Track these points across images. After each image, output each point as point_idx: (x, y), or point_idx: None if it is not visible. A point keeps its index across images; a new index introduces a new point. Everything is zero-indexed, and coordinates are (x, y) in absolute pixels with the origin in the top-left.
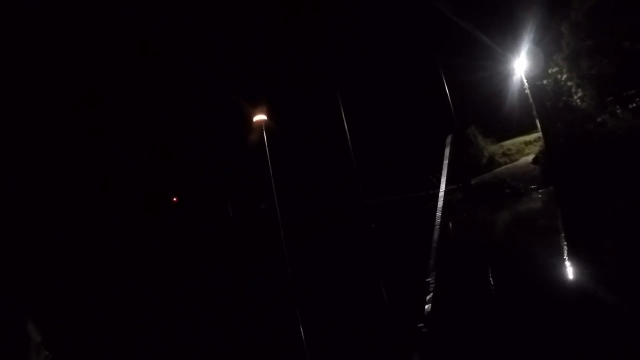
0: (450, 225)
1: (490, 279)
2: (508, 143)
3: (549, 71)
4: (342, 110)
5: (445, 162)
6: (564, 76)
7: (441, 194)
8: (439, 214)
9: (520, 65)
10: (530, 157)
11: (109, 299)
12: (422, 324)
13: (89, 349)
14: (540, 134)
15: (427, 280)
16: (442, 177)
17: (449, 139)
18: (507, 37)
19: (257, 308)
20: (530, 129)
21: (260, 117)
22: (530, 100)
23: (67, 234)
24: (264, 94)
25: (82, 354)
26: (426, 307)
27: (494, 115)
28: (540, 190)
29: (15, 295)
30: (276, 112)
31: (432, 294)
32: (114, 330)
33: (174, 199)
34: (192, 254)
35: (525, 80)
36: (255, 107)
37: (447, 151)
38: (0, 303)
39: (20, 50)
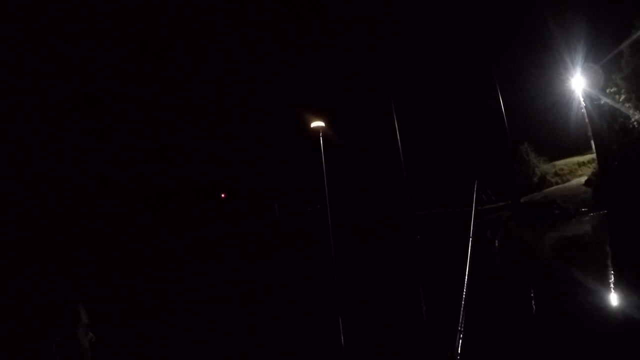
0: (496, 243)
1: (533, 305)
2: (561, 163)
3: (607, 91)
4: (396, 122)
5: (473, 208)
6: (622, 97)
7: (470, 241)
8: (469, 259)
9: (578, 84)
10: (583, 179)
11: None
12: None
13: (133, 337)
14: (594, 155)
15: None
16: (471, 220)
17: (475, 185)
18: (565, 55)
19: (298, 311)
20: (584, 149)
21: (318, 124)
22: (586, 120)
23: (120, 225)
24: (322, 101)
25: (128, 340)
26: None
27: (548, 133)
28: (591, 214)
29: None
30: (330, 119)
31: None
32: (155, 319)
33: (223, 195)
34: (236, 250)
35: (582, 99)
36: (312, 113)
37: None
38: (55, 281)
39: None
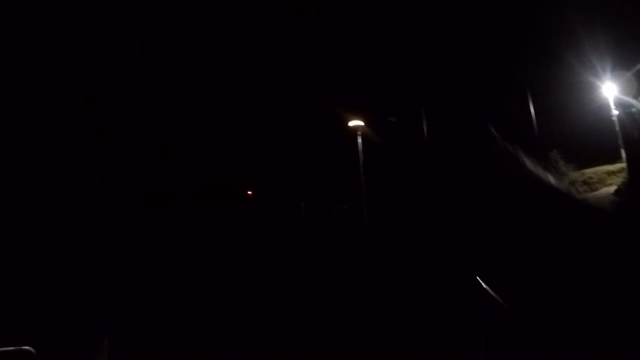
0: None
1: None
2: (590, 171)
3: (639, 99)
4: (425, 125)
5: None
6: None
7: None
8: None
9: (609, 91)
10: (612, 188)
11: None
12: None
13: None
14: (624, 164)
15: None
16: None
17: None
18: (596, 61)
19: (329, 310)
20: (615, 158)
21: (356, 123)
22: (617, 128)
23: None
24: (358, 102)
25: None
26: None
27: (577, 140)
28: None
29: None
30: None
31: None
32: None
33: (249, 193)
34: (263, 248)
35: (613, 107)
36: (348, 113)
37: None
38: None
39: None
